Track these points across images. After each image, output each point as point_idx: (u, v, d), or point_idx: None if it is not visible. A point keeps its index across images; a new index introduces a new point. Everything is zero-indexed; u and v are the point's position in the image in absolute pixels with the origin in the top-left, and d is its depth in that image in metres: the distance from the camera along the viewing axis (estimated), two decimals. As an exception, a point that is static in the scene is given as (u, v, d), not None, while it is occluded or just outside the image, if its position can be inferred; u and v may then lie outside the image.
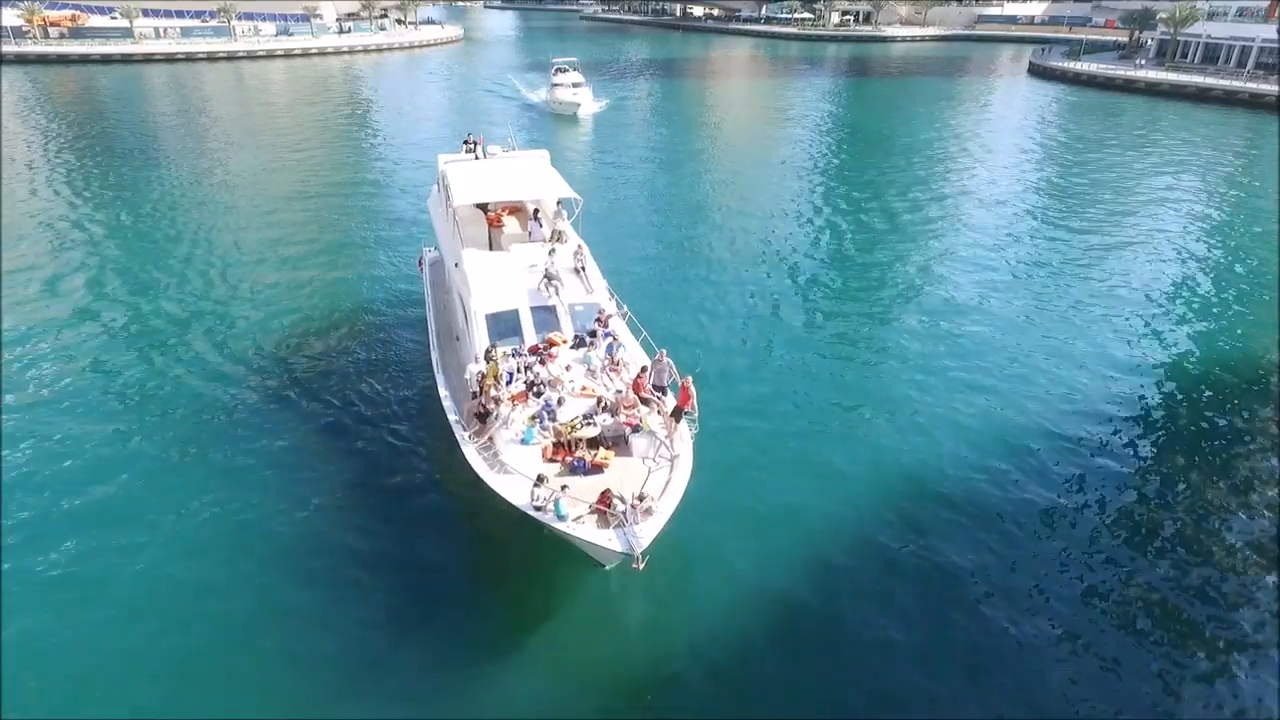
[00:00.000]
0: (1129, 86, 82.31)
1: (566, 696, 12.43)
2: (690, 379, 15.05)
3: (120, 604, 13.83)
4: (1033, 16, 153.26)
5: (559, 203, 22.95)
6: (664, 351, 16.61)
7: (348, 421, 19.38)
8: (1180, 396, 21.71)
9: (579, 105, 64.61)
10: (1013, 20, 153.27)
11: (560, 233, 21.01)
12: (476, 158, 25.22)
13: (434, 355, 19.23)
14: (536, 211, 22.24)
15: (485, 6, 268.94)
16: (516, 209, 23.31)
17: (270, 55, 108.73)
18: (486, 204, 22.26)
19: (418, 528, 15.84)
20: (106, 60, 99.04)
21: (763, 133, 62.65)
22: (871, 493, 17.06)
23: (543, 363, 16.75)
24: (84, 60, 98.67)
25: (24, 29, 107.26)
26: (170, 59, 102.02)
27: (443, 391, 17.23)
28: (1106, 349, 24.24)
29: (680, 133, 61.20)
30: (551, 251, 19.44)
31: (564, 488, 13.26)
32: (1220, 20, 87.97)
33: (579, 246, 20.18)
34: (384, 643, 13.09)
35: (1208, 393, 21.93)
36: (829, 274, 30.66)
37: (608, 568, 13.89)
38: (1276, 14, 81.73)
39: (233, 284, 28.19)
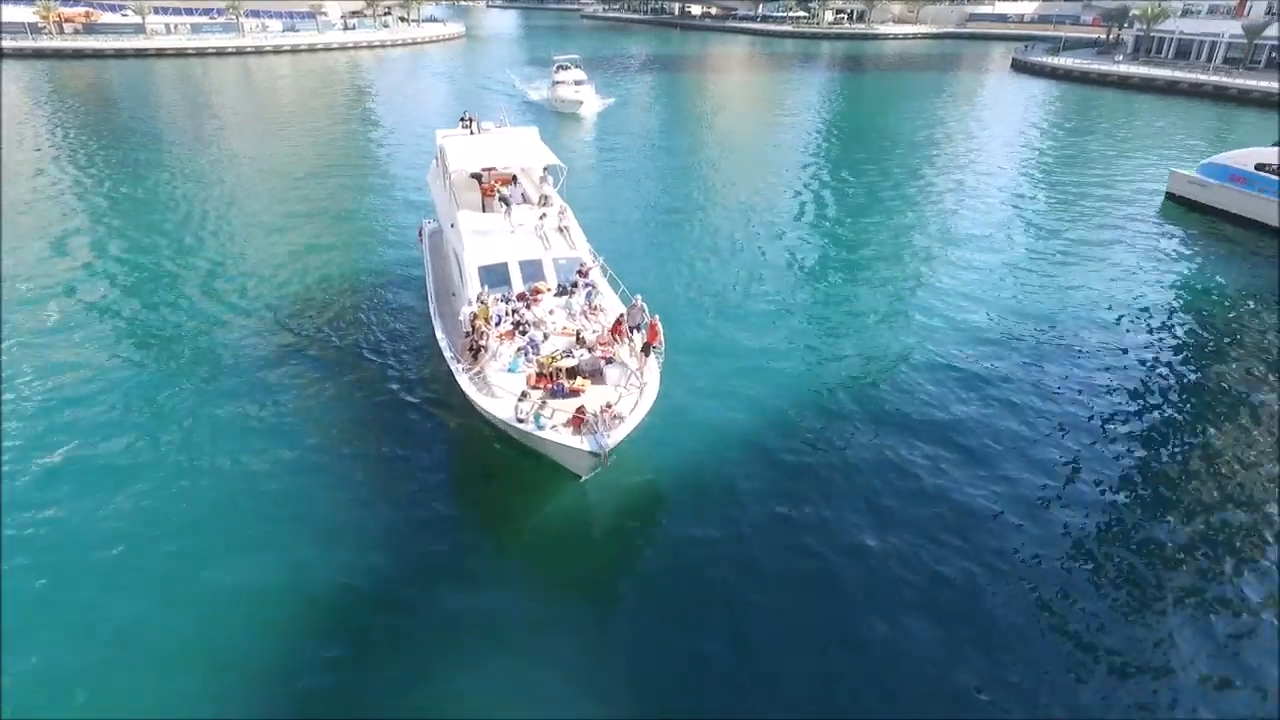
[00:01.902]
0: (1103, 80, 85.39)
1: (547, 586, 14.41)
2: (658, 318, 17.51)
3: (127, 529, 15.22)
4: (1023, 15, 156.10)
5: (546, 170, 25.76)
6: (639, 296, 18.87)
7: (351, 367, 21.51)
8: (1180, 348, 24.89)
9: (581, 103, 63.39)
10: (1003, 19, 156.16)
11: (546, 197, 23.95)
12: (471, 133, 28.16)
13: (432, 306, 21.77)
14: (515, 179, 25.32)
15: (487, 6, 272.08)
16: (508, 180, 25.66)
17: (277, 50, 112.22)
18: (480, 175, 24.97)
19: (414, 453, 17.88)
20: (120, 55, 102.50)
21: (759, 124, 65.41)
22: (817, 406, 20.28)
23: (528, 307, 19.40)
24: (98, 55, 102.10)
25: (40, 25, 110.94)
26: (181, 53, 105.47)
27: (439, 335, 19.72)
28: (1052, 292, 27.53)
29: (681, 127, 63.47)
30: (542, 216, 22.37)
31: (544, 402, 15.71)
32: (1193, 17, 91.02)
33: (563, 209, 23.18)
34: (383, 546, 14.89)
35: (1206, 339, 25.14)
36: (810, 240, 33.84)
37: (583, 479, 15.88)
38: (1244, 11, 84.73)
39: (241, 251, 31.00)
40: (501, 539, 15.76)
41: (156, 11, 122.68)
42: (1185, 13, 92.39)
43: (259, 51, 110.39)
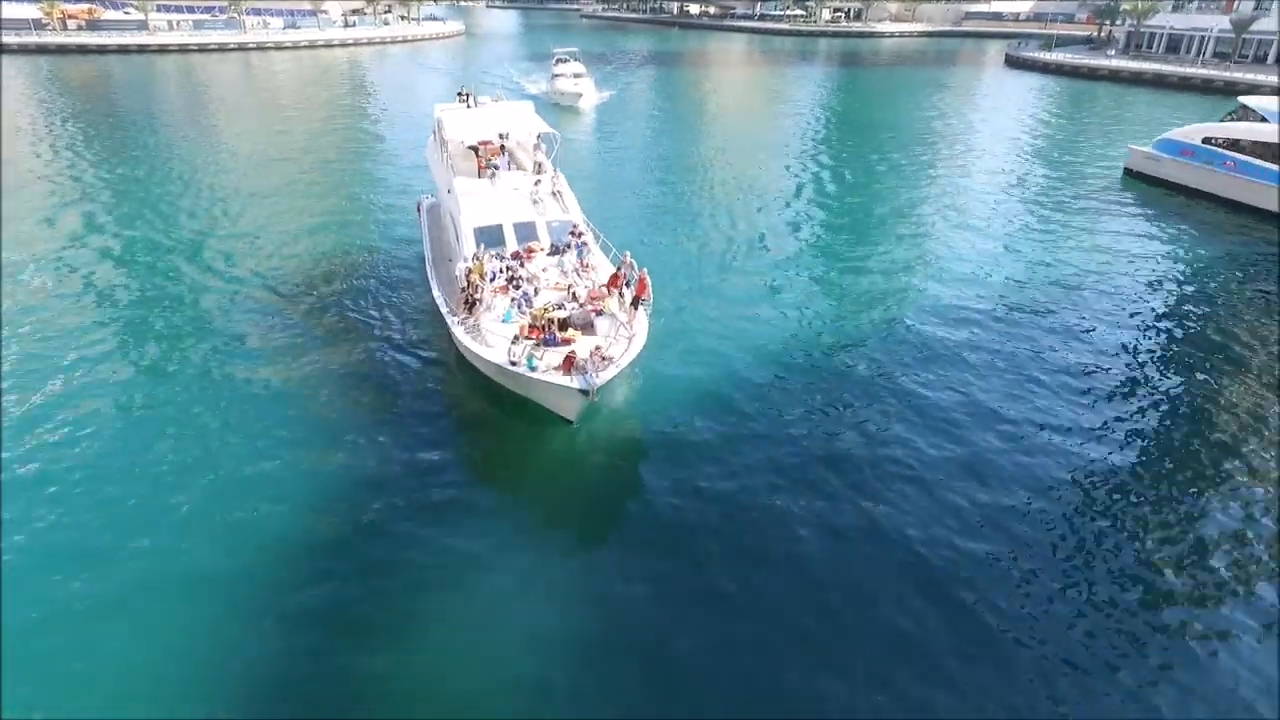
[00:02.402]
0: (1095, 74, 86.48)
1: (536, 524, 15.04)
2: (646, 272, 18.33)
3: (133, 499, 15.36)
4: (1018, 13, 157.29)
5: (540, 139, 26.75)
6: (628, 253, 19.80)
7: (349, 328, 22.27)
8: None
9: (581, 95, 63.50)
10: (999, 17, 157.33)
11: (540, 164, 25.01)
12: (468, 107, 29.38)
13: (429, 270, 22.77)
14: (503, 148, 26.38)
15: (487, 6, 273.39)
16: (497, 152, 26.35)
17: (278, 47, 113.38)
18: (477, 148, 25.76)
19: (409, 405, 18.55)
20: (122, 50, 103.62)
21: (757, 114, 66.51)
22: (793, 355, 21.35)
23: (522, 265, 20.34)
24: (101, 50, 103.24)
25: (44, 21, 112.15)
26: (183, 49, 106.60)
27: (435, 294, 20.69)
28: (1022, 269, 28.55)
29: (679, 117, 64.51)
30: (537, 183, 23.35)
31: (537, 347, 16.62)
32: (1182, 13, 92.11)
33: (556, 175, 24.25)
34: (377, 489, 15.44)
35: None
36: (803, 216, 34.78)
37: (573, 423, 16.80)
38: (1233, 6, 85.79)
39: (242, 228, 31.84)
40: (493, 481, 16.48)
41: (159, 9, 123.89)
42: (1175, 8, 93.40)
43: (260, 48, 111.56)
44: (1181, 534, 14.81)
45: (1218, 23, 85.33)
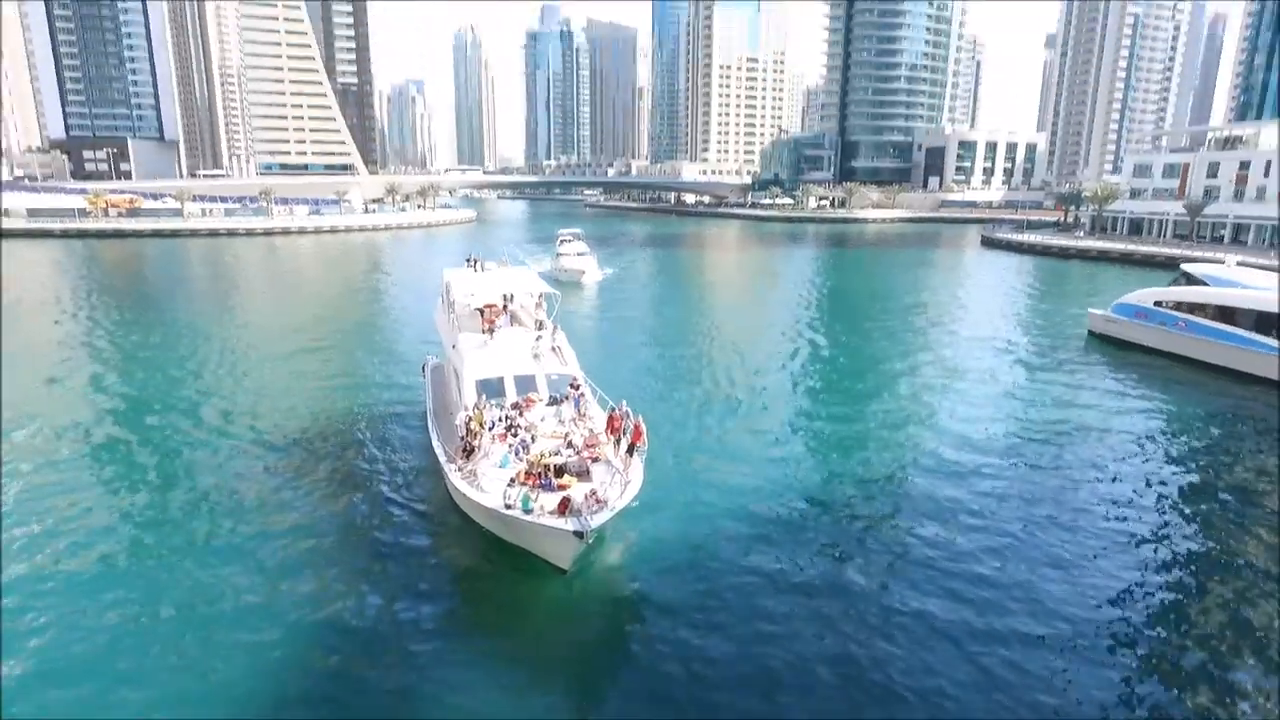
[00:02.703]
0: (1065, 253, 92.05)
1: (529, 680, 14.47)
2: (641, 418, 18.94)
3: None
4: (991, 201, 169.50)
5: (542, 298, 28.61)
6: (623, 401, 20.58)
7: (348, 476, 22.69)
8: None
9: (584, 272, 65.39)
10: (973, 205, 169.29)
11: (540, 322, 26.58)
12: (475, 272, 31.77)
13: (430, 421, 23.59)
14: (505, 307, 28.22)
15: (498, 197, 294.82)
16: (499, 312, 27.88)
17: (301, 231, 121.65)
18: (483, 310, 27.24)
19: (403, 554, 18.54)
20: (157, 234, 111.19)
21: (751, 286, 70.34)
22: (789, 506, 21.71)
23: (521, 414, 21.11)
24: (137, 234, 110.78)
25: (87, 210, 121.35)
26: (213, 233, 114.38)
27: (435, 443, 21.31)
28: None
29: (678, 290, 68.19)
30: (538, 338, 24.73)
31: (533, 490, 16.99)
32: (1140, 199, 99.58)
33: (556, 330, 25.70)
34: (369, 639, 15.25)
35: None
36: (794, 375, 36.56)
37: (568, 571, 16.64)
38: (1184, 192, 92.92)
39: (250, 387, 33.43)
40: (486, 634, 15.90)
41: (195, 199, 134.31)
42: (1134, 194, 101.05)
43: (285, 232, 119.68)
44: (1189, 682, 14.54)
45: (1173, 208, 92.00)
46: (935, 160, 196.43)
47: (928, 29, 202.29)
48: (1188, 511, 22.14)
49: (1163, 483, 24.04)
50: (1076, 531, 20.38)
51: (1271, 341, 33.56)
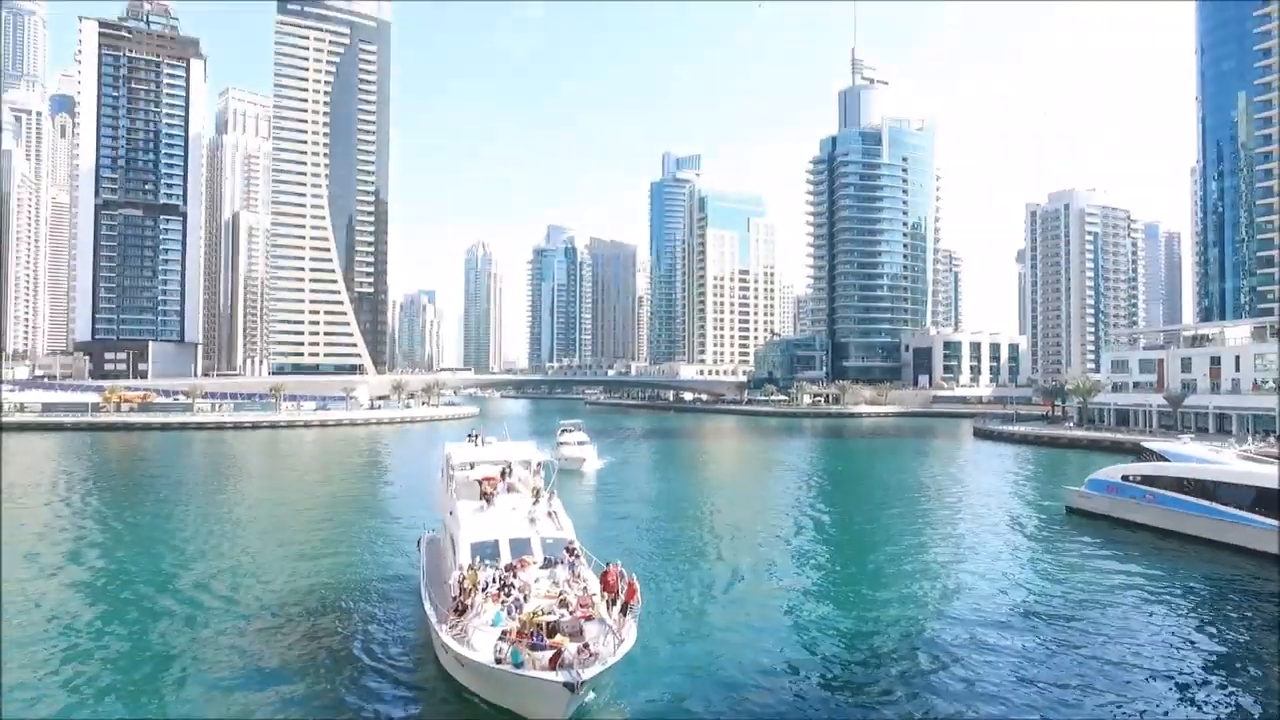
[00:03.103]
0: (1055, 442, 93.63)
1: None
2: (635, 577, 19.38)
3: None
4: (981, 397, 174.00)
5: (539, 466, 29.70)
6: (618, 561, 21.08)
7: (338, 650, 22.52)
8: None
9: (584, 460, 66.29)
10: (964, 400, 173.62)
11: (537, 490, 27.15)
12: (475, 446, 32.88)
13: (423, 589, 23.43)
14: (504, 474, 29.02)
15: (502, 396, 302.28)
16: (495, 482, 28.28)
17: (307, 425, 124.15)
18: (481, 483, 27.73)
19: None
20: (165, 427, 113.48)
21: (749, 475, 71.11)
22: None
23: (515, 574, 21.14)
24: (145, 427, 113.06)
25: (100, 404, 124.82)
26: (219, 426, 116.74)
27: (427, 606, 21.29)
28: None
29: (676, 478, 68.87)
30: (535, 503, 25.36)
31: (524, 646, 16.81)
32: (1122, 392, 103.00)
33: (552, 497, 26.30)
34: None
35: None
36: (790, 555, 36.41)
37: None
38: (1163, 385, 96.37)
39: (244, 568, 33.24)
40: None
41: (206, 395, 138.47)
42: (1116, 388, 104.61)
43: (290, 426, 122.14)
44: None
45: (1155, 400, 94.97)
46: (923, 359, 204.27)
47: (904, 244, 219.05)
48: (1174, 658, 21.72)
49: (1152, 642, 23.74)
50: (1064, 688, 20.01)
51: (1223, 508, 36.45)
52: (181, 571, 31.71)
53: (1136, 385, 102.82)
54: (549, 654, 16.46)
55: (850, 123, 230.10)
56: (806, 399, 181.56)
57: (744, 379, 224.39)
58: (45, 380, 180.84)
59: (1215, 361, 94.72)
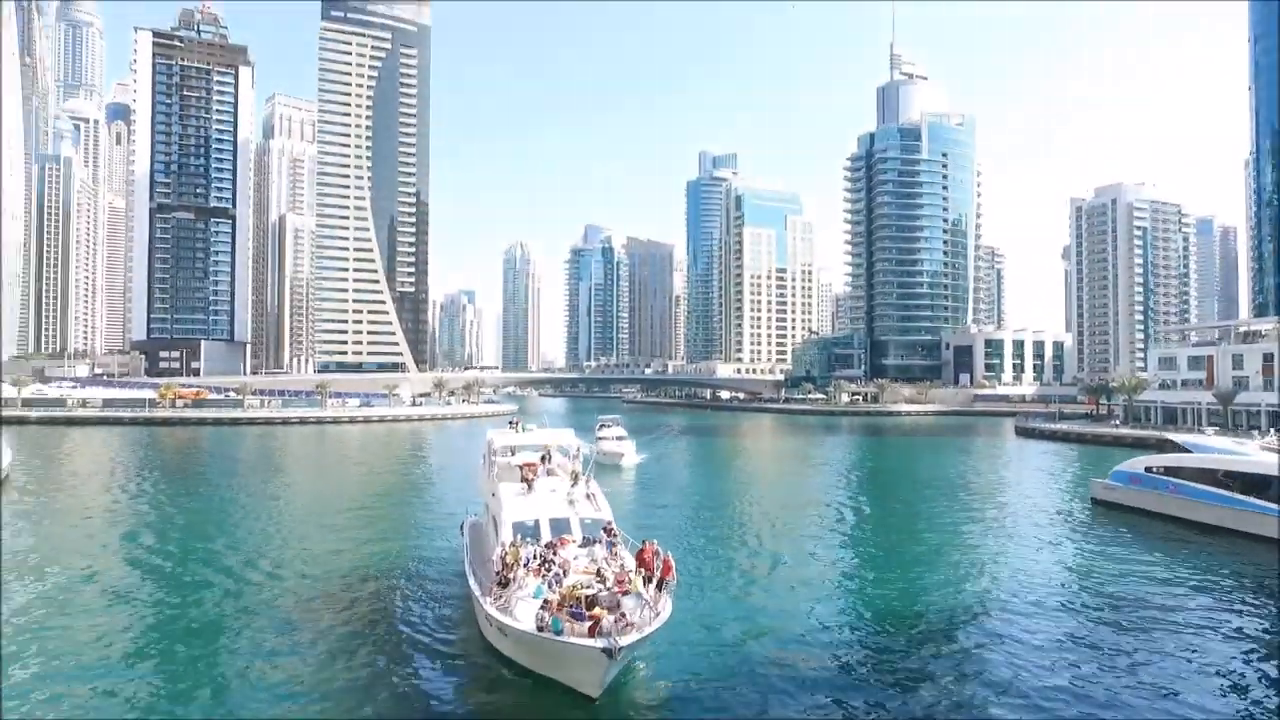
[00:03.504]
0: (1099, 440, 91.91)
1: None
2: (671, 556, 20.13)
3: None
4: (1024, 396, 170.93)
5: (579, 451, 30.82)
6: (654, 540, 21.80)
7: (382, 625, 23.39)
8: None
9: (623, 455, 66.73)
10: (1006, 399, 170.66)
11: (576, 473, 28.09)
12: (517, 432, 34.16)
13: (467, 568, 24.61)
14: (544, 459, 30.08)
15: (540, 395, 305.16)
16: (535, 468, 29.30)
17: (351, 421, 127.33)
18: (522, 468, 28.68)
19: (436, 689, 19.23)
20: (217, 422, 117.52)
21: (787, 470, 71.65)
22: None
23: (554, 551, 22.09)
24: (200, 422, 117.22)
25: (157, 400, 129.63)
26: (268, 422, 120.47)
27: (471, 582, 22.45)
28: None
29: (714, 472, 69.73)
30: (574, 485, 26.40)
31: (564, 612, 17.81)
32: (1170, 389, 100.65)
33: (589, 480, 27.26)
34: None
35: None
36: (826, 544, 36.85)
37: (597, 701, 17.16)
38: (1213, 381, 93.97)
39: (295, 551, 34.73)
40: None
41: (256, 393, 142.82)
42: (1163, 385, 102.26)
43: (336, 421, 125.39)
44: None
45: (1204, 397, 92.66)
46: (964, 358, 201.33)
47: (944, 241, 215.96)
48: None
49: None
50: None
51: (1243, 497, 36.94)
52: (236, 549, 33.52)
53: (1185, 383, 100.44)
54: (588, 624, 17.26)
55: (889, 119, 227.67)
56: (844, 398, 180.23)
57: (781, 378, 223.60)
58: (104, 378, 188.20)
59: (1269, 358, 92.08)
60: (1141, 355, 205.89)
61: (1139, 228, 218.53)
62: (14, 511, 41.44)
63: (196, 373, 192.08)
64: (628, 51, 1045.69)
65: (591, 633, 16.89)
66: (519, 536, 22.52)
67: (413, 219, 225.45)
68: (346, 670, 20.11)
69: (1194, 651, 21.88)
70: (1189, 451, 42.58)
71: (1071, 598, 27.21)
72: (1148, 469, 42.90)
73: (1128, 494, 43.56)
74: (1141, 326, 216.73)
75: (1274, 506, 35.19)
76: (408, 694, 18.87)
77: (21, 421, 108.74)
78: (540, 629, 17.25)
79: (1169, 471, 41.54)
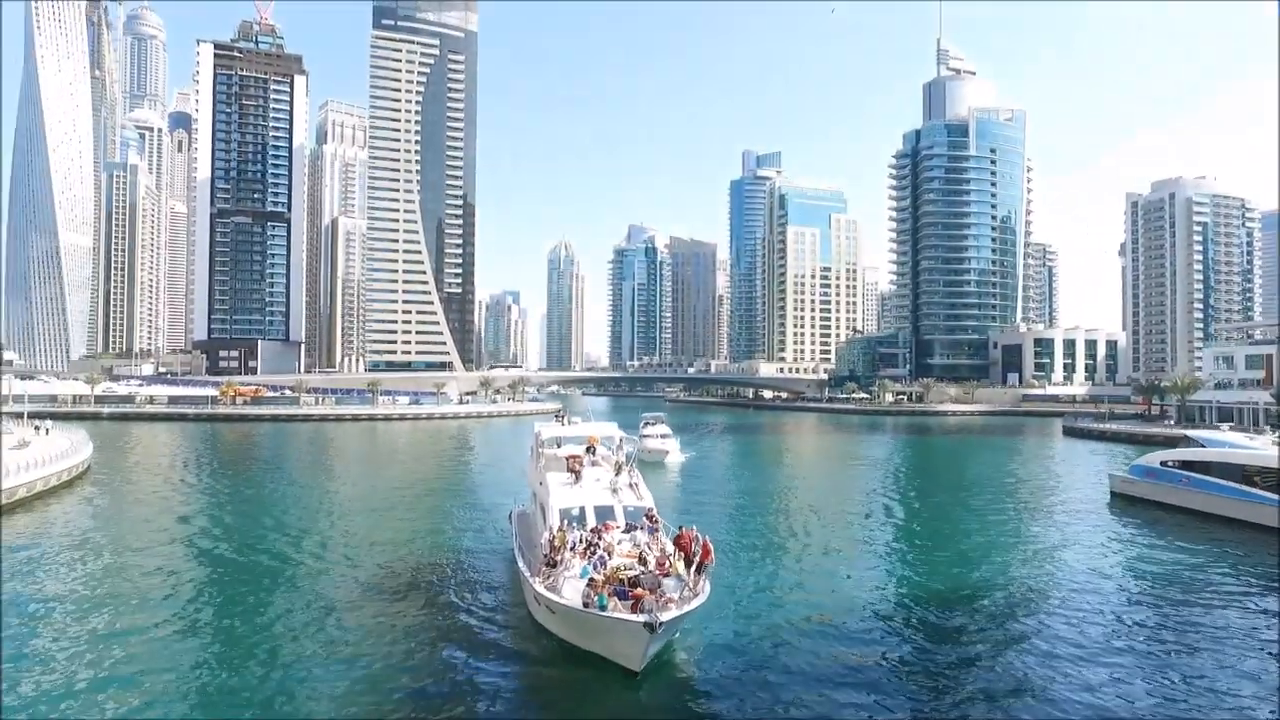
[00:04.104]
0: (1149, 440, 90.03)
1: None
2: (709, 539, 21.18)
3: None
4: (1074, 395, 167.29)
5: (622, 442, 32.44)
6: (693, 525, 23.08)
7: (435, 604, 25.01)
8: None
9: (667, 453, 66.93)
10: (1055, 399, 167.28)
11: (619, 463, 29.62)
12: (563, 425, 36.03)
13: (516, 551, 26.21)
14: (591, 448, 31.65)
15: (583, 393, 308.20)
16: (580, 459, 30.83)
17: (401, 418, 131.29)
18: (568, 460, 30.21)
19: (485, 663, 20.38)
20: (274, 419, 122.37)
21: (830, 468, 72.46)
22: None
23: (599, 536, 23.45)
24: (258, 419, 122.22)
25: (218, 398, 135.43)
26: (323, 418, 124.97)
27: (520, 563, 24.02)
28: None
29: (757, 471, 70.41)
30: (617, 474, 28.00)
31: (608, 590, 19.21)
32: (1226, 389, 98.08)
33: (632, 470, 28.72)
34: None
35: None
36: (860, 533, 38.15)
37: (638, 675, 18.14)
38: (1273, 381, 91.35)
39: (349, 529, 37.28)
40: None
41: (310, 391, 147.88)
42: (1219, 385, 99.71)
43: (386, 418, 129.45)
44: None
45: (1262, 397, 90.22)
46: (1013, 357, 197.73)
47: (992, 238, 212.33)
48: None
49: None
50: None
51: (1252, 490, 38.21)
52: (300, 534, 35.91)
53: (1242, 382, 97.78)
54: (630, 602, 18.58)
55: (935, 115, 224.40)
56: (889, 397, 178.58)
57: (825, 377, 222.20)
58: (168, 376, 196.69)
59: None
60: (1200, 355, 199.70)
61: (1199, 223, 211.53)
62: (97, 501, 44.77)
63: (254, 371, 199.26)
64: (673, 52, 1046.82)
65: (634, 610, 18.08)
66: (565, 522, 23.91)
67: (460, 220, 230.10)
68: (402, 645, 21.60)
69: (1198, 632, 22.46)
70: (1202, 446, 44.41)
71: (1087, 585, 27.94)
72: (1163, 463, 44.41)
73: (1145, 487, 45.00)
74: (1201, 325, 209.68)
75: None
76: (458, 667, 20.25)
77: (95, 417, 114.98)
78: (586, 605, 18.53)
79: (1184, 465, 42.89)
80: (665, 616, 17.51)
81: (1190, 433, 48.52)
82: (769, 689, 18.92)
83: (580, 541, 22.74)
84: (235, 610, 24.84)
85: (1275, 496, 36.69)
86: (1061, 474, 62.03)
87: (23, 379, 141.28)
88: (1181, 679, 19.59)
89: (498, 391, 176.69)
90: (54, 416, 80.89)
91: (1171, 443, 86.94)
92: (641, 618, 17.39)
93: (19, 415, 73.10)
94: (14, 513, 38.45)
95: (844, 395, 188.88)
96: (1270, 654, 21.34)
